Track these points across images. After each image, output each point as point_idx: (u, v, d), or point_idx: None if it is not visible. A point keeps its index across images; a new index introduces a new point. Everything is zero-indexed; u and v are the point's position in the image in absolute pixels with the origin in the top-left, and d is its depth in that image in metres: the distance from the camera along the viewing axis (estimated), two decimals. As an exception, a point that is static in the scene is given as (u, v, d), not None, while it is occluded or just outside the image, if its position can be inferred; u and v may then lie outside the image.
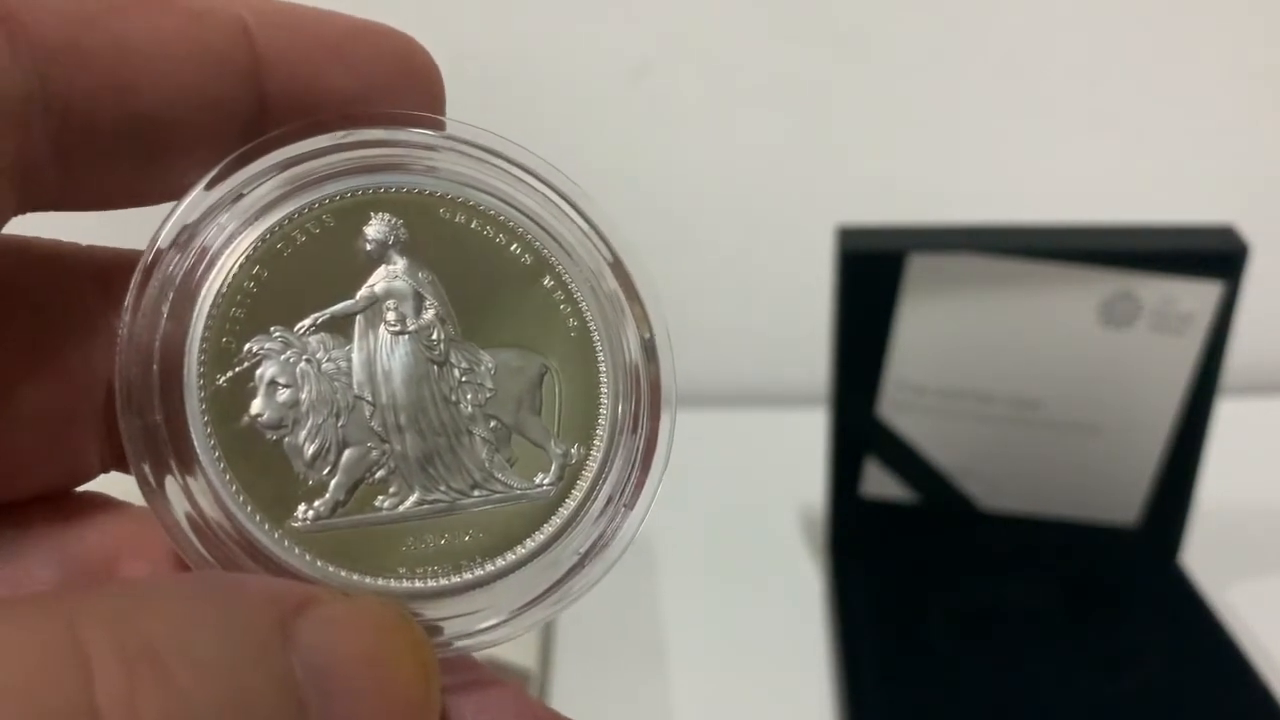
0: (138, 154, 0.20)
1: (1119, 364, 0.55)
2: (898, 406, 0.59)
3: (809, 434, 0.64)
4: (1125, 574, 0.61)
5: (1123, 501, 0.61)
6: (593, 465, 0.22)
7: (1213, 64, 0.73)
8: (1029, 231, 0.54)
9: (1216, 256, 0.52)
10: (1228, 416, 0.58)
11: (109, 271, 0.22)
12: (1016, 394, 0.58)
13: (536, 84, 0.72)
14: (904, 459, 0.61)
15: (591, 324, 0.22)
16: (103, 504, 0.23)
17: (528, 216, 0.22)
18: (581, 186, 0.23)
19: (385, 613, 0.18)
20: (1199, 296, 0.53)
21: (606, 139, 0.75)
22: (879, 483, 0.62)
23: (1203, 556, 0.61)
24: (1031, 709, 0.53)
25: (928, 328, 0.56)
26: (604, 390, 0.22)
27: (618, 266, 0.23)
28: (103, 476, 0.22)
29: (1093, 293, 0.54)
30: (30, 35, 0.18)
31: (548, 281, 0.22)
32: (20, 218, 0.20)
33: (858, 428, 0.60)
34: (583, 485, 0.22)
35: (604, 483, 0.22)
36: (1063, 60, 0.73)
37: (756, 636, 0.60)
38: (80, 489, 0.23)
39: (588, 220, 0.23)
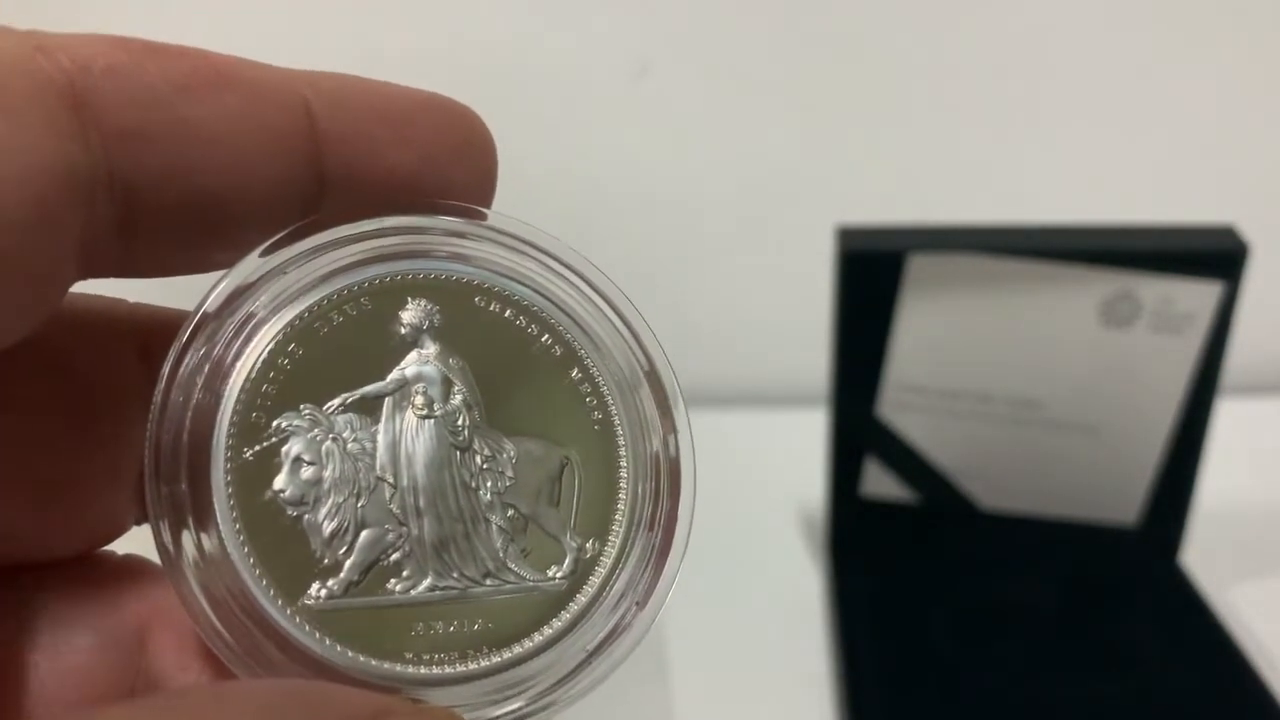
0: (197, 229, 0.20)
1: (1119, 364, 0.55)
2: (898, 406, 0.59)
3: (809, 434, 0.64)
4: (1125, 574, 0.61)
5: (1123, 501, 0.61)
6: (607, 561, 0.22)
7: (1213, 64, 0.73)
8: (1029, 231, 0.54)
9: (1216, 256, 0.52)
10: (1228, 416, 0.58)
11: (149, 333, 0.22)
12: (1016, 394, 0.58)
13: (537, 84, 0.72)
14: (904, 459, 0.61)
15: (616, 419, 0.22)
16: (138, 569, 0.23)
17: (560, 309, 0.22)
18: (616, 282, 0.23)
19: None
20: (1199, 296, 0.53)
21: (607, 139, 0.75)
22: (879, 483, 0.62)
23: (1203, 556, 0.61)
24: (1031, 709, 0.53)
25: (928, 328, 0.56)
26: (623, 486, 0.22)
27: (649, 367, 0.23)
28: (135, 530, 0.23)
29: (1093, 293, 0.54)
30: (100, 118, 0.18)
31: (575, 374, 0.22)
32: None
33: (858, 428, 0.60)
34: (595, 581, 0.22)
35: (617, 579, 0.22)
36: (1063, 60, 0.73)
37: (756, 637, 0.60)
38: (118, 551, 0.23)
39: (620, 316, 0.23)
